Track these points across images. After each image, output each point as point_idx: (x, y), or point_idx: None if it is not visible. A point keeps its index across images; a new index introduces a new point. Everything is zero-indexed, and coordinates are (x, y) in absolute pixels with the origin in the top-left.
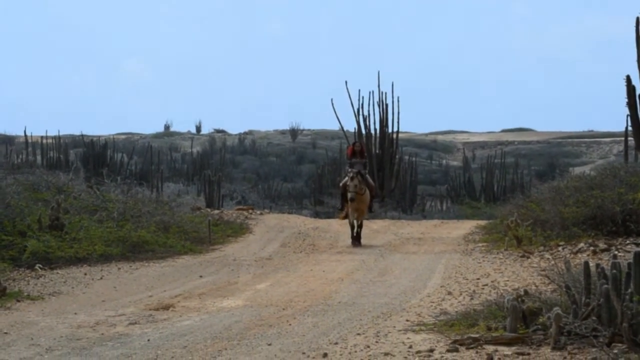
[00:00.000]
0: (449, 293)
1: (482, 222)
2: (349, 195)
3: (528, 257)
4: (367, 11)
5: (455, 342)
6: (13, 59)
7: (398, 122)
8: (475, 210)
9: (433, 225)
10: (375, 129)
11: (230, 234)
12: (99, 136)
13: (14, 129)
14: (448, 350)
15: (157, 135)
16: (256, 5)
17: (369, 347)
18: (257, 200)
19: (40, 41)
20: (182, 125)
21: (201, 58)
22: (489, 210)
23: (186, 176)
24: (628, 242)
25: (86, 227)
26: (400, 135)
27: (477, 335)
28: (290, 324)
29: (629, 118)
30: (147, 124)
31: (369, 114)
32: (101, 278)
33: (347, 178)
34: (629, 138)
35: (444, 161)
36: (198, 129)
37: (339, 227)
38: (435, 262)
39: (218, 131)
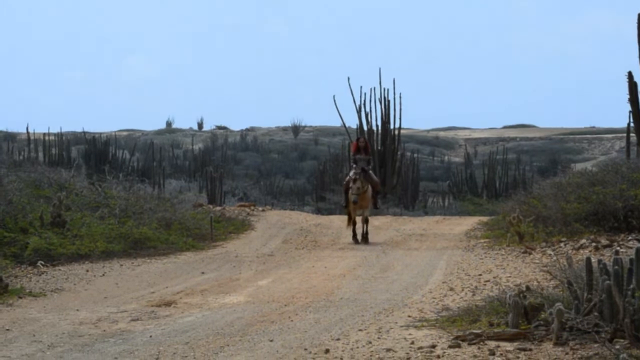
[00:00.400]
0: (451, 289)
1: (484, 219)
2: (352, 197)
3: (530, 253)
4: (369, 7)
5: (457, 337)
6: (15, 56)
7: (400, 119)
8: (477, 207)
9: (435, 221)
10: (377, 126)
11: (232, 230)
12: (101, 133)
13: (16, 126)
14: (450, 346)
15: (159, 132)
16: (258, 2)
17: (371, 343)
18: (259, 196)
19: (43, 38)
20: (184, 121)
21: (203, 55)
22: (491, 207)
23: (188, 173)
24: (630, 238)
25: (88, 224)
26: (402, 131)
27: (479, 331)
28: (292, 320)
29: (630, 114)
30: (149, 121)
31: (370, 111)
32: (103, 275)
33: (352, 173)
34: (631, 134)
35: (446, 157)
36: (200, 125)
37: (341, 224)
38: (437, 258)
39: (220, 128)
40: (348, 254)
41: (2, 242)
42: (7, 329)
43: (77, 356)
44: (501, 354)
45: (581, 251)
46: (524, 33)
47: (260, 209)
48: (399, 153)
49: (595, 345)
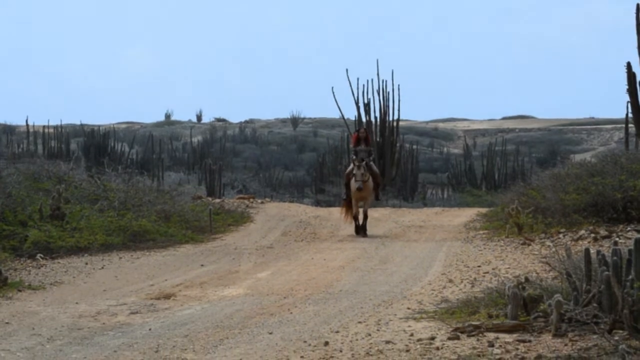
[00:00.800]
0: (450, 281)
1: (483, 210)
2: (356, 184)
3: (529, 245)
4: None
5: (456, 329)
6: (14, 49)
7: (399, 110)
8: (476, 198)
9: (434, 213)
10: (375, 117)
11: (231, 222)
12: (100, 125)
13: (16, 119)
14: (449, 338)
15: (157, 124)
16: None
17: (370, 335)
18: (258, 189)
19: (41, 30)
20: (183, 114)
21: (202, 47)
22: (490, 198)
23: (187, 165)
24: (629, 228)
25: (87, 217)
26: (401, 123)
27: (478, 323)
28: (291, 313)
29: (629, 105)
30: (147, 113)
31: (369, 102)
32: (102, 267)
33: (352, 166)
34: (630, 125)
35: (445, 149)
36: (199, 117)
37: (340, 216)
38: (436, 250)
39: (219, 120)
40: (347, 246)
41: (1, 235)
42: (7, 322)
43: (76, 349)
44: (500, 346)
45: (580, 242)
46: (523, 23)
47: (260, 201)
48: (397, 145)
49: (594, 336)
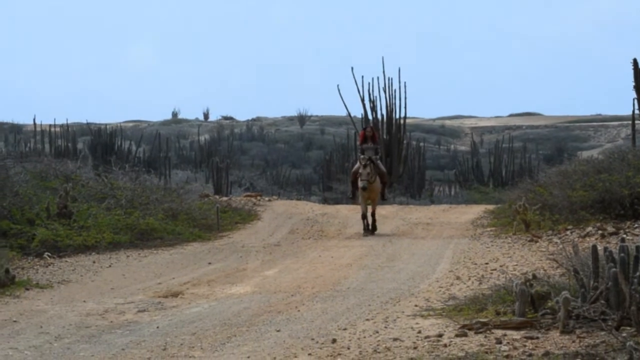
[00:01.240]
0: (458, 278)
1: (491, 207)
2: (362, 183)
3: (536, 242)
4: None
5: (463, 326)
6: (21, 48)
7: (405, 108)
8: (484, 195)
9: (441, 210)
10: (382, 115)
11: (239, 220)
12: (107, 124)
13: (23, 118)
14: (457, 335)
15: (165, 123)
16: None
17: (377, 332)
18: (266, 186)
19: (48, 29)
20: (190, 112)
21: (208, 45)
22: (497, 195)
23: (194, 163)
24: (636, 225)
25: (94, 215)
26: (407, 120)
27: (485, 320)
28: (299, 310)
29: (636, 101)
30: (154, 112)
31: (375, 100)
32: (110, 266)
33: (358, 165)
34: (637, 121)
35: (452, 146)
36: (206, 116)
37: (348, 213)
38: (444, 247)
39: (226, 118)
40: (355, 244)
41: (8, 234)
42: (15, 321)
43: (84, 347)
44: (508, 343)
45: (587, 239)
46: (530, 20)
47: (267, 199)
48: (404, 142)
49: (602, 333)
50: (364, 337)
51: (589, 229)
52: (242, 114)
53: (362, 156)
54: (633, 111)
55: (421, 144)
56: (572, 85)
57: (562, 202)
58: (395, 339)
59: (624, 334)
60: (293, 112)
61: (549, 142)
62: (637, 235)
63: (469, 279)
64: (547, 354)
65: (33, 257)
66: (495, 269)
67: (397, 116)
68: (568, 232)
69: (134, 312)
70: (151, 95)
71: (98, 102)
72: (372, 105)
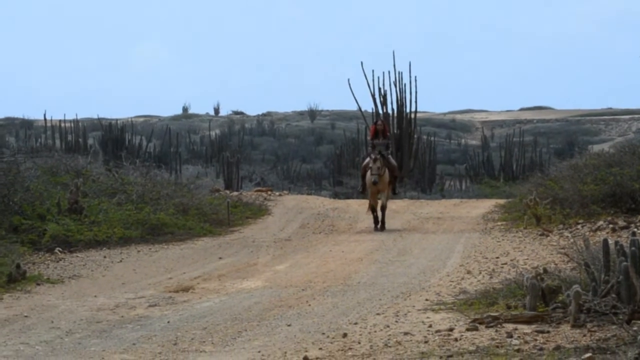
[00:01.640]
0: (469, 272)
1: (501, 201)
2: (372, 178)
3: (547, 236)
4: None
5: (474, 321)
6: (31, 43)
7: (416, 102)
8: (494, 189)
9: (452, 204)
10: (392, 109)
11: (249, 215)
12: (117, 119)
13: (34, 113)
14: (467, 329)
15: (175, 118)
16: None
17: (388, 326)
18: (276, 181)
19: (58, 24)
20: (201, 107)
21: (219, 39)
22: (508, 189)
23: (205, 158)
24: None
25: (105, 210)
26: (418, 115)
27: (496, 314)
28: (309, 305)
29: None
30: (165, 107)
31: (386, 94)
32: (121, 261)
33: (368, 159)
34: None
35: (463, 140)
36: (216, 110)
37: (358, 208)
38: (455, 242)
39: (236, 113)
40: (365, 238)
41: (19, 229)
42: (26, 316)
43: (95, 342)
44: (519, 337)
45: (598, 233)
46: (540, 14)
47: (277, 193)
48: (415, 136)
49: (613, 327)
50: (375, 332)
51: (600, 222)
52: (253, 109)
53: (371, 149)
54: None
55: (432, 138)
56: (583, 79)
57: (573, 196)
58: (406, 333)
59: (635, 328)
60: (303, 107)
61: (560, 136)
62: None
63: (480, 273)
64: (558, 347)
65: (44, 253)
66: (506, 263)
67: (408, 110)
68: (579, 226)
69: (144, 307)
70: (162, 90)
71: (108, 98)
72: (382, 99)
